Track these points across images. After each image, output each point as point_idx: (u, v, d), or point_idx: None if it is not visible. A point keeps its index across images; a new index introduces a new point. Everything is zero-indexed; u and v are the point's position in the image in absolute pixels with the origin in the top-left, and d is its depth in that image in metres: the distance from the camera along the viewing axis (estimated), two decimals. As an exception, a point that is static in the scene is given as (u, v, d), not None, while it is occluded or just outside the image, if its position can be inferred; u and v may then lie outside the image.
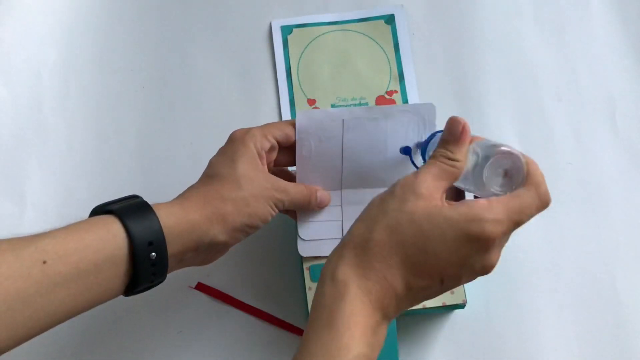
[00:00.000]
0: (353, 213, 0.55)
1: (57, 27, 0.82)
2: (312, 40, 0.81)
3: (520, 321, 0.70)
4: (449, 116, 0.77)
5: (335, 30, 0.81)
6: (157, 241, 0.54)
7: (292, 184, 0.63)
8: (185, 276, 0.72)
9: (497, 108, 0.78)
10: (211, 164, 0.62)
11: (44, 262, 0.49)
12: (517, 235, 0.72)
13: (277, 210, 0.61)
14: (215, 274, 0.72)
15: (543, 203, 0.52)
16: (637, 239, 0.73)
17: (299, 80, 0.79)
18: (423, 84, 0.79)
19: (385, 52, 0.80)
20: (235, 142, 0.62)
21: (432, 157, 0.53)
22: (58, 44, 0.82)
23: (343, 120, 0.64)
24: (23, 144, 0.78)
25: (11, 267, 0.48)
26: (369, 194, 0.55)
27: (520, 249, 0.73)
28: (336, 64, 0.80)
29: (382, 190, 0.54)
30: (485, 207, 0.49)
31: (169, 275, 0.71)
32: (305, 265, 0.67)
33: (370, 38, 0.81)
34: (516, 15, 0.82)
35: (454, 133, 0.54)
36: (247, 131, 0.62)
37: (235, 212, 0.58)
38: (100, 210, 0.55)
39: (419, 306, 0.65)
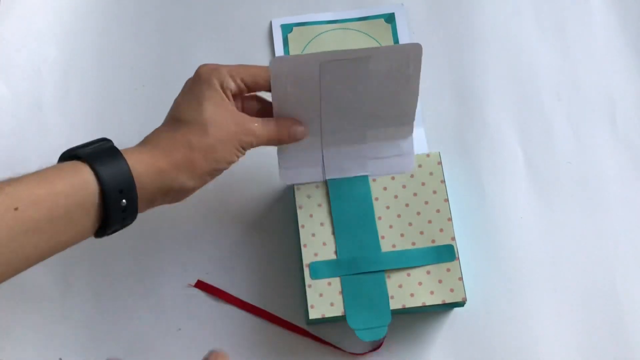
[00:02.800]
0: (332, 140, 0.59)
1: (57, 24, 0.82)
2: (312, 38, 0.81)
3: (519, 320, 0.70)
4: (449, 115, 0.78)
5: (335, 29, 0.81)
6: (128, 188, 0.55)
7: (261, 122, 0.62)
8: (184, 274, 0.72)
9: (497, 108, 0.78)
10: (177, 105, 0.61)
11: (16, 209, 0.50)
12: (516, 234, 0.73)
13: (244, 152, 0.61)
14: (214, 272, 0.72)
15: None
16: (636, 238, 0.73)
17: (299, 79, 0.79)
18: (422, 82, 0.79)
19: (385, 51, 0.80)
20: (201, 81, 0.60)
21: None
22: (58, 42, 0.81)
23: (320, 63, 0.61)
24: (23, 142, 0.78)
25: None
26: (348, 122, 0.60)
27: (520, 248, 0.73)
28: (336, 63, 0.80)
29: (363, 130, 0.62)
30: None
31: (168, 274, 0.72)
32: (305, 262, 0.67)
33: (371, 37, 0.81)
34: (516, 15, 0.82)
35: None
36: (214, 68, 0.61)
37: (202, 159, 0.58)
38: (70, 155, 0.56)
39: (419, 304, 0.66)
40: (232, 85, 0.61)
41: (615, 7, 0.82)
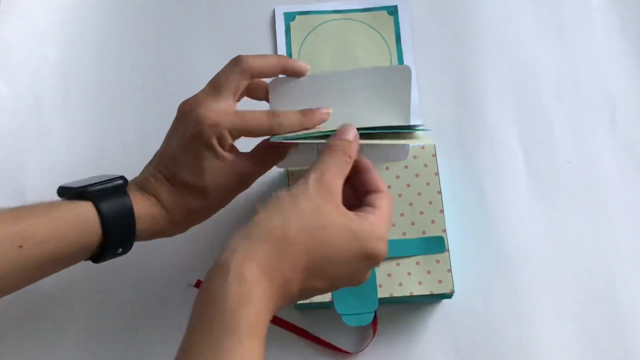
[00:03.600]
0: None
1: (57, 24, 0.82)
2: (315, 27, 0.81)
3: (516, 316, 0.70)
4: (449, 114, 0.78)
5: (338, 19, 0.81)
6: (128, 240, 0.58)
7: (250, 160, 0.60)
8: (184, 274, 0.72)
9: (497, 107, 0.78)
10: (175, 159, 0.59)
11: (21, 247, 0.52)
12: (516, 233, 0.73)
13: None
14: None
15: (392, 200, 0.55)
16: (636, 237, 0.73)
17: (299, 67, 0.79)
18: (423, 77, 0.79)
19: (386, 43, 0.80)
20: (200, 140, 0.58)
21: (332, 148, 0.54)
22: (58, 42, 0.82)
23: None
24: (23, 141, 0.78)
25: None
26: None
27: (519, 247, 0.73)
28: (337, 52, 0.80)
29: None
30: (380, 225, 0.52)
31: (168, 273, 0.73)
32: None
33: (373, 28, 0.81)
34: (517, 15, 0.82)
35: (350, 132, 0.56)
36: (214, 125, 0.57)
37: (201, 217, 0.62)
38: (80, 192, 0.57)
39: (407, 294, 0.66)
40: (230, 140, 0.58)
41: (615, 7, 0.81)
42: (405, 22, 0.81)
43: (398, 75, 0.61)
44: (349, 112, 0.62)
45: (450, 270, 0.66)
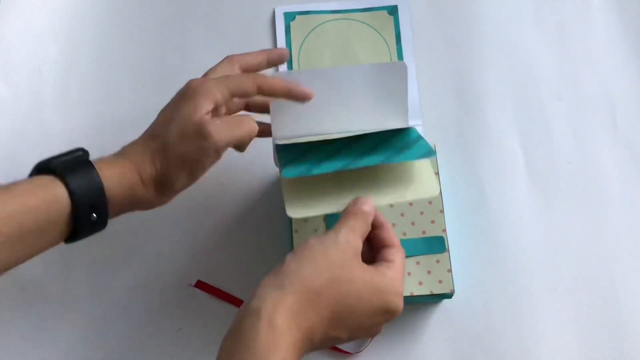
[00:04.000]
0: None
1: (57, 24, 0.83)
2: (315, 27, 0.81)
3: (516, 316, 0.70)
4: (449, 114, 0.78)
5: (338, 19, 0.82)
6: (99, 203, 0.55)
7: (219, 121, 0.58)
8: (184, 274, 0.72)
9: (497, 107, 0.78)
10: (155, 120, 0.60)
11: None
12: (516, 233, 0.73)
13: (216, 159, 0.59)
14: (214, 272, 0.72)
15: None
16: (636, 237, 0.73)
17: (299, 67, 0.79)
18: (423, 77, 0.79)
19: (386, 43, 0.80)
20: (183, 97, 0.59)
21: (357, 213, 0.57)
22: (58, 42, 0.82)
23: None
24: (23, 141, 0.78)
25: None
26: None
27: (520, 247, 0.73)
28: (337, 52, 0.80)
29: None
30: (397, 280, 0.55)
31: (168, 273, 0.72)
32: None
33: (373, 28, 0.81)
34: (517, 15, 0.82)
35: (367, 203, 0.58)
36: (201, 82, 0.59)
37: (166, 177, 0.58)
38: (43, 167, 0.56)
39: (407, 293, 0.66)
40: (219, 98, 0.58)
41: (615, 7, 0.81)
42: (405, 22, 0.81)
43: (394, 72, 0.62)
44: (347, 111, 0.62)
45: (450, 270, 0.66)
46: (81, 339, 0.71)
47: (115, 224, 0.74)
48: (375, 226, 0.58)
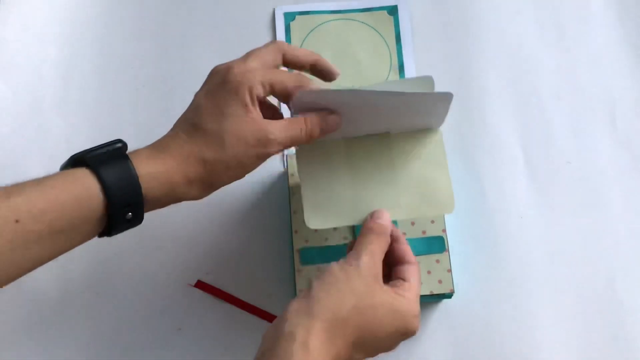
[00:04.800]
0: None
1: (57, 24, 0.82)
2: (315, 27, 0.81)
3: (515, 316, 0.70)
4: (449, 114, 0.76)
5: (338, 19, 0.82)
6: (135, 202, 0.53)
7: (278, 127, 0.57)
8: (184, 274, 0.72)
9: (497, 107, 0.78)
10: (197, 108, 0.56)
11: (17, 221, 0.49)
12: (516, 233, 0.73)
13: (260, 164, 0.58)
14: (214, 272, 0.72)
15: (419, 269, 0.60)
16: (636, 237, 0.73)
17: (299, 67, 0.80)
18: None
19: (386, 43, 0.80)
20: (228, 88, 0.55)
21: (376, 231, 0.58)
22: (58, 42, 0.82)
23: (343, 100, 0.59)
24: (23, 141, 0.78)
25: None
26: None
27: (520, 247, 0.73)
28: (337, 53, 0.80)
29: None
30: (415, 302, 0.57)
31: (168, 273, 0.72)
32: (296, 248, 0.67)
33: (372, 28, 0.81)
34: (517, 15, 0.82)
35: (385, 216, 0.60)
36: (245, 73, 0.56)
37: (215, 175, 0.56)
38: (78, 159, 0.53)
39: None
40: (261, 93, 0.56)
41: (615, 7, 0.81)
42: (405, 22, 0.81)
43: (440, 100, 0.61)
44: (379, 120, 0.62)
45: (450, 270, 0.66)
46: (81, 339, 0.71)
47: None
48: (391, 239, 0.59)
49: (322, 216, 0.61)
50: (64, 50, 0.81)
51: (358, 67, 0.79)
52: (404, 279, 0.58)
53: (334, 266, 0.55)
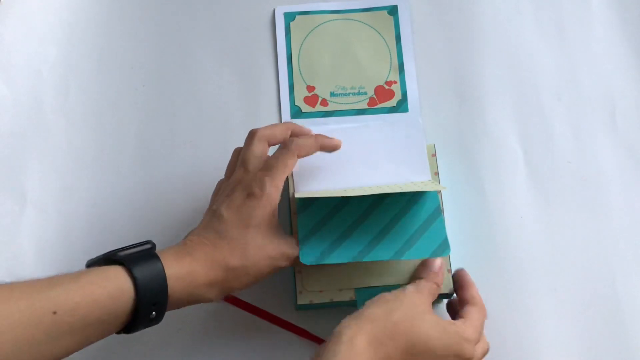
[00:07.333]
0: None
1: (57, 25, 0.82)
2: (315, 27, 0.81)
3: (515, 316, 0.71)
4: (449, 114, 0.78)
5: (338, 19, 0.82)
6: (161, 302, 0.56)
7: (294, 243, 0.64)
8: None
9: (497, 107, 0.78)
10: (223, 218, 0.61)
11: (54, 313, 0.51)
12: (516, 233, 0.73)
13: (271, 274, 0.63)
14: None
15: (485, 313, 0.64)
16: (636, 237, 0.73)
17: (299, 67, 0.80)
18: (423, 76, 0.79)
19: (386, 43, 0.80)
20: (255, 199, 0.61)
21: (426, 279, 0.64)
22: (58, 42, 0.82)
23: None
24: (23, 142, 0.78)
25: (24, 315, 0.50)
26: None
27: (520, 248, 0.73)
28: (337, 52, 0.80)
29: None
30: (467, 328, 0.60)
31: None
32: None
33: (373, 28, 0.81)
34: (517, 14, 0.82)
35: (435, 265, 0.65)
36: (275, 187, 0.62)
37: (235, 280, 0.60)
38: (113, 258, 0.57)
39: (407, 294, 0.66)
40: (278, 198, 0.63)
41: (615, 7, 0.81)
42: (405, 22, 0.81)
43: (409, 126, 0.69)
44: (368, 166, 0.68)
45: (450, 271, 0.66)
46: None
47: (115, 223, 0.74)
48: (460, 285, 0.65)
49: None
50: (64, 50, 0.81)
51: (358, 67, 0.79)
52: (462, 317, 0.62)
53: (386, 293, 0.60)
